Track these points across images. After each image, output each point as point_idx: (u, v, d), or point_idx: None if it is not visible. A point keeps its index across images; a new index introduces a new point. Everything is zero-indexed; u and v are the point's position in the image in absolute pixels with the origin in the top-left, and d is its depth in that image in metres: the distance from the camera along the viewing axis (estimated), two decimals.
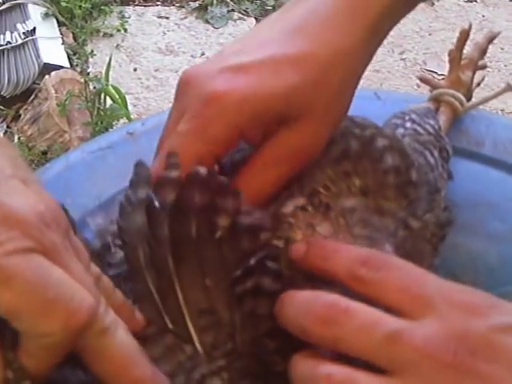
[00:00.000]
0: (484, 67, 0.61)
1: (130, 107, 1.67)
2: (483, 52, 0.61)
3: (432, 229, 0.38)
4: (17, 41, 1.85)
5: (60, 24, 1.94)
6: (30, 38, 1.85)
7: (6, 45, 1.84)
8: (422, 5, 2.01)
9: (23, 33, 1.87)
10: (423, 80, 0.61)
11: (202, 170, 0.34)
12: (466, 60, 0.60)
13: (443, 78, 0.60)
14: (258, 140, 0.38)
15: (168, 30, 2.04)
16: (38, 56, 1.82)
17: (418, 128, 0.43)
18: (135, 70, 1.92)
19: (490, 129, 0.60)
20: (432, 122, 0.45)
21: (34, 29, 1.88)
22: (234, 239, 0.34)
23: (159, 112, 1.91)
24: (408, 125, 0.44)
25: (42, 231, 0.29)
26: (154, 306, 0.34)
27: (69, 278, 0.29)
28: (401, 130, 0.43)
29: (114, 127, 1.64)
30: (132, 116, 1.69)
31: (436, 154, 0.41)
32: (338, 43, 0.37)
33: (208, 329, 0.34)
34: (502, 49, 1.93)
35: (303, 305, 0.33)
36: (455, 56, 0.60)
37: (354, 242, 0.37)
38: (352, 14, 0.37)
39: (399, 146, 0.38)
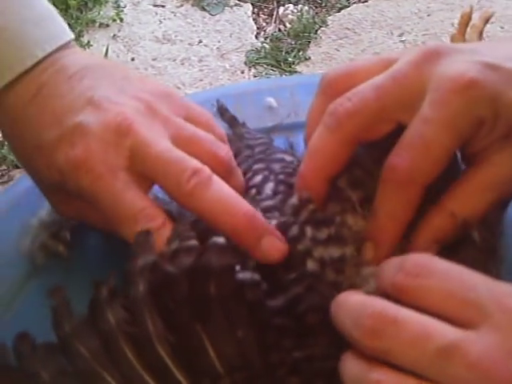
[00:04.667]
0: None
1: None
2: (481, 34, 0.61)
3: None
4: None
5: None
6: None
7: None
8: None
9: None
10: None
11: (220, 240, 0.34)
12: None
13: None
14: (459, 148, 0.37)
15: (164, 19, 2.02)
16: None
17: None
18: (133, 59, 1.91)
19: None
20: None
21: None
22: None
23: None
24: None
25: None
26: (170, 377, 0.33)
27: None
28: None
29: None
30: None
31: None
32: None
33: (245, 382, 0.33)
34: (501, 27, 1.91)
35: (352, 314, 0.31)
36: (458, 41, 0.60)
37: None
38: None
39: None
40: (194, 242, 0.34)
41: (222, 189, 0.37)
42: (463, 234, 0.36)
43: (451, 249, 0.36)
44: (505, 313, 0.29)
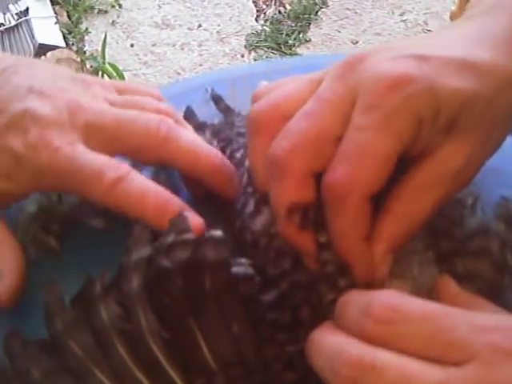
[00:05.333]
0: None
1: None
2: None
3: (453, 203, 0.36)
4: (10, 22, 1.82)
5: (53, 3, 1.90)
6: (24, 18, 1.82)
7: (0, 27, 1.81)
8: None
9: (16, 14, 1.84)
10: None
11: (217, 233, 0.33)
12: None
13: None
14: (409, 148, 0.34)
15: (163, 3, 2.01)
16: (32, 37, 1.79)
17: None
18: (132, 45, 1.89)
19: None
20: None
21: (27, 9, 1.85)
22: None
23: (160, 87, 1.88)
24: None
25: None
26: (163, 374, 0.33)
27: None
28: None
29: None
30: None
31: None
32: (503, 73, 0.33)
33: (240, 379, 0.33)
34: None
35: (329, 360, 0.29)
36: (456, 15, 0.59)
37: None
38: None
39: None
40: (190, 236, 0.34)
41: (191, 134, 0.41)
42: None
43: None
44: (491, 348, 0.27)
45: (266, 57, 1.84)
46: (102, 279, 0.34)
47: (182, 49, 1.89)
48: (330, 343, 0.30)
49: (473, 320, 0.28)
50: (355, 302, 0.30)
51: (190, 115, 0.48)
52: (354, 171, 0.32)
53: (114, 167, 0.37)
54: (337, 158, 0.32)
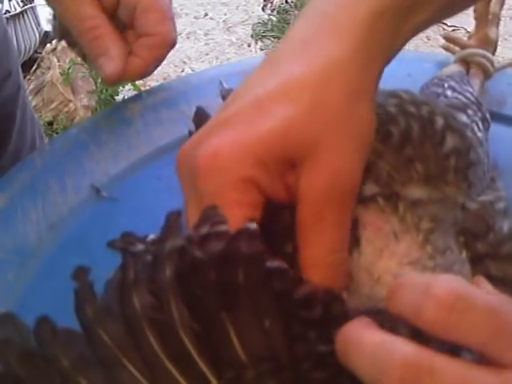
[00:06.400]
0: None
1: None
2: (503, 4, 0.59)
3: (490, 209, 0.36)
4: (15, 9, 1.81)
5: None
6: (29, 5, 1.81)
7: (5, 14, 1.80)
8: None
9: (21, 0, 1.83)
10: (449, 39, 0.58)
11: (252, 226, 0.32)
12: (490, 16, 0.58)
13: (469, 37, 0.58)
14: (284, 197, 0.33)
15: None
16: (38, 24, 1.78)
17: (460, 97, 0.40)
18: None
19: None
20: (470, 88, 0.43)
21: None
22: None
23: (165, 77, 1.88)
24: (449, 93, 0.41)
25: None
26: (193, 366, 0.32)
27: None
28: (443, 100, 0.41)
29: (120, 94, 1.61)
30: (137, 82, 1.66)
31: (481, 125, 0.39)
32: (323, 59, 0.31)
33: (270, 374, 0.32)
34: None
35: (375, 358, 0.27)
36: (482, 12, 0.58)
37: (421, 240, 0.34)
38: (335, 22, 0.32)
39: (456, 125, 0.36)
40: (224, 227, 0.33)
41: None
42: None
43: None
44: None
45: (273, 47, 1.83)
46: (135, 267, 0.34)
47: (188, 38, 1.88)
48: (373, 341, 0.28)
49: None
50: (411, 284, 0.28)
51: (201, 115, 0.48)
52: None
53: None
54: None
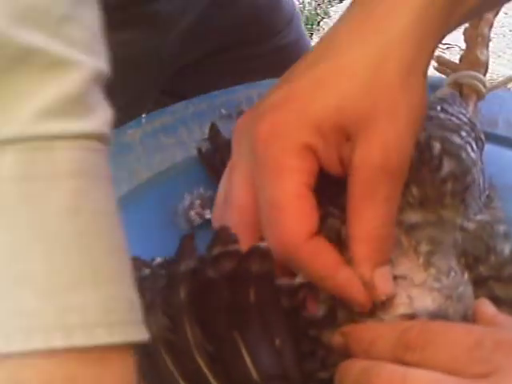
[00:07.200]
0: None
1: None
2: (491, 25, 0.60)
3: (488, 230, 0.37)
4: None
5: None
6: None
7: None
8: None
9: None
10: (440, 62, 0.60)
11: (262, 245, 0.33)
12: (479, 38, 0.59)
13: (460, 59, 0.59)
14: (338, 169, 0.34)
15: None
16: None
17: (453, 118, 0.42)
18: None
19: (503, 107, 0.57)
20: (463, 110, 0.44)
21: None
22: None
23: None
24: (442, 116, 0.42)
25: None
26: None
27: None
28: (436, 122, 0.42)
29: None
30: None
31: (475, 146, 0.40)
32: (379, 36, 0.33)
33: None
34: (505, 13, 1.90)
35: (357, 377, 0.30)
36: (471, 34, 0.59)
37: (423, 263, 0.35)
38: (390, 5, 0.34)
39: (453, 149, 0.37)
40: (235, 247, 0.34)
41: None
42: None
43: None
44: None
45: None
46: (151, 290, 0.35)
47: None
48: (359, 365, 0.31)
49: (497, 337, 0.29)
50: (390, 338, 0.31)
51: (215, 134, 0.49)
52: None
53: None
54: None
